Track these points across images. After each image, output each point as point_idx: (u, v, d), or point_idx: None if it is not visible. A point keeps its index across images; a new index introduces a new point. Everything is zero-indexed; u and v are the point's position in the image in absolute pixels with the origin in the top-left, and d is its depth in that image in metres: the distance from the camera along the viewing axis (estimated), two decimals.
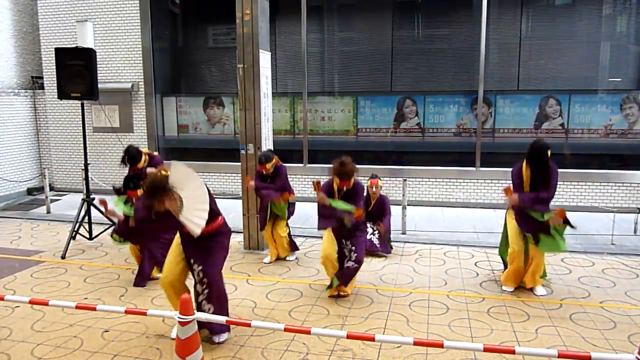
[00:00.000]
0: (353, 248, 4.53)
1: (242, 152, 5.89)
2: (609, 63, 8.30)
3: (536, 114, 8.40)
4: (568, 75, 8.38)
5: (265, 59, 5.89)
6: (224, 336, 3.68)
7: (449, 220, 7.60)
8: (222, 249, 3.75)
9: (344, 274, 4.55)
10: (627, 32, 8.33)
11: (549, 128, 8.31)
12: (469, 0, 8.65)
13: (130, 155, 5.29)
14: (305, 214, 6.97)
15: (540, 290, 4.66)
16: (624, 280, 5.02)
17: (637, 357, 2.24)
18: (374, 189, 5.94)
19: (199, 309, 3.55)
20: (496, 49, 8.50)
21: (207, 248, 3.61)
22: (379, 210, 6.02)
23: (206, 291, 3.56)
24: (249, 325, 2.86)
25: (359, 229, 4.59)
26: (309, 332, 2.70)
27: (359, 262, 4.54)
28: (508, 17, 8.52)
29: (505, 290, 4.73)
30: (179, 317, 2.79)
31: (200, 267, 3.58)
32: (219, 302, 3.63)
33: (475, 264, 5.54)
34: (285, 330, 2.75)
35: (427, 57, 8.84)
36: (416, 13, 8.92)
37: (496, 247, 6.08)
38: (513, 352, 2.48)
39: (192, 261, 3.61)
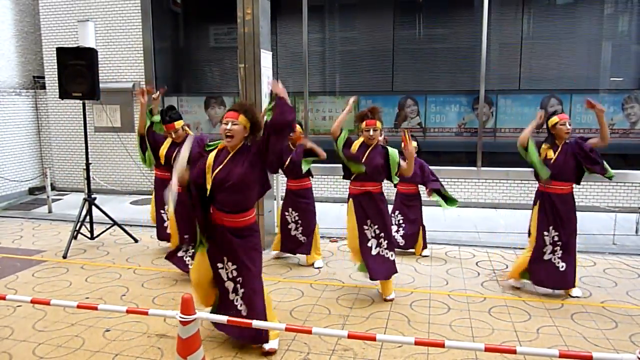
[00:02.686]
0: (382, 234, 4.34)
1: None
2: (610, 62, 8.28)
3: None
4: (570, 75, 8.37)
5: (266, 58, 5.89)
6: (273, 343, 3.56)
7: (450, 220, 7.59)
8: (258, 252, 3.55)
9: (377, 264, 4.36)
10: (629, 31, 8.32)
11: None
12: None
13: (173, 109, 5.17)
14: None
15: (575, 291, 4.59)
16: (625, 280, 5.01)
17: (638, 357, 2.23)
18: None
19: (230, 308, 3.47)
20: (497, 48, 8.49)
21: (242, 247, 3.43)
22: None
23: (241, 291, 3.48)
24: (250, 325, 2.87)
25: (382, 202, 4.36)
26: (310, 332, 2.69)
27: (392, 249, 4.41)
28: (509, 17, 8.51)
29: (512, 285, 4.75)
30: (180, 317, 2.79)
31: (234, 267, 3.45)
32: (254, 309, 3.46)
33: (476, 264, 5.53)
34: (286, 329, 2.75)
35: (428, 57, 8.83)
36: (417, 13, 8.91)
37: (497, 246, 6.10)
38: (514, 352, 2.48)
39: (225, 260, 3.45)
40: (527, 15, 8.49)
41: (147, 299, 4.56)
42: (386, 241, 4.39)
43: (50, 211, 8.08)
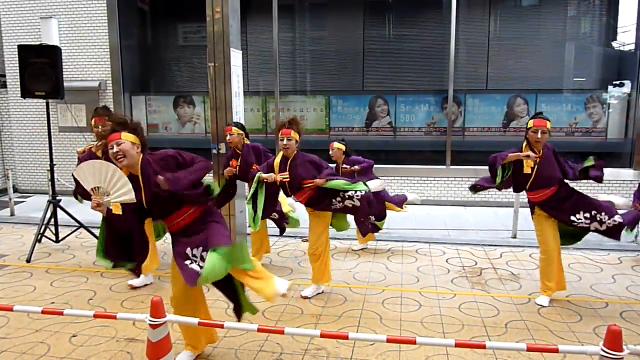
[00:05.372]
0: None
1: (214, 151, 5.83)
2: (573, 63, 8.54)
3: (504, 113, 8.58)
4: (535, 75, 8.60)
5: (236, 57, 5.84)
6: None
7: (420, 218, 7.68)
8: (222, 224, 3.29)
9: None
10: (591, 33, 8.59)
11: (516, 127, 8.50)
12: (439, 0, 8.77)
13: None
14: None
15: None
16: (589, 274, 5.17)
17: (602, 349, 2.30)
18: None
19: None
20: (465, 48, 8.65)
21: (206, 229, 3.17)
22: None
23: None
24: (221, 326, 2.83)
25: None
26: (282, 332, 2.68)
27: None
28: (477, 18, 8.67)
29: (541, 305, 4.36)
30: (149, 320, 2.74)
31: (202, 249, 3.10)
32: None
33: (446, 261, 5.61)
34: (259, 330, 2.73)
35: (398, 57, 8.93)
36: (387, 13, 9.00)
37: (467, 244, 6.21)
38: (484, 347, 2.53)
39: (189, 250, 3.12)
40: (494, 16, 8.67)
41: (115, 302, 4.46)
42: None
43: (12, 214, 7.83)
